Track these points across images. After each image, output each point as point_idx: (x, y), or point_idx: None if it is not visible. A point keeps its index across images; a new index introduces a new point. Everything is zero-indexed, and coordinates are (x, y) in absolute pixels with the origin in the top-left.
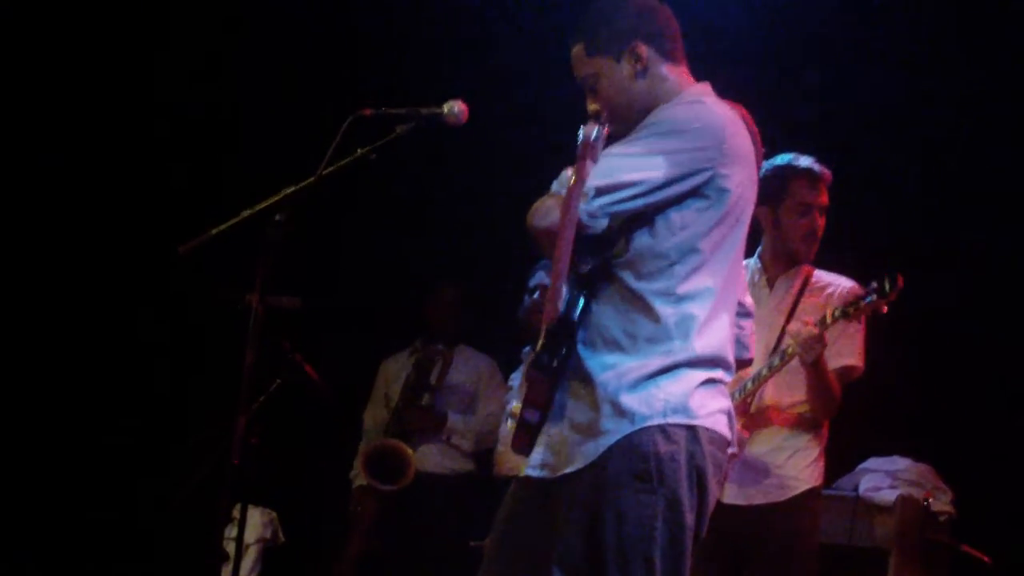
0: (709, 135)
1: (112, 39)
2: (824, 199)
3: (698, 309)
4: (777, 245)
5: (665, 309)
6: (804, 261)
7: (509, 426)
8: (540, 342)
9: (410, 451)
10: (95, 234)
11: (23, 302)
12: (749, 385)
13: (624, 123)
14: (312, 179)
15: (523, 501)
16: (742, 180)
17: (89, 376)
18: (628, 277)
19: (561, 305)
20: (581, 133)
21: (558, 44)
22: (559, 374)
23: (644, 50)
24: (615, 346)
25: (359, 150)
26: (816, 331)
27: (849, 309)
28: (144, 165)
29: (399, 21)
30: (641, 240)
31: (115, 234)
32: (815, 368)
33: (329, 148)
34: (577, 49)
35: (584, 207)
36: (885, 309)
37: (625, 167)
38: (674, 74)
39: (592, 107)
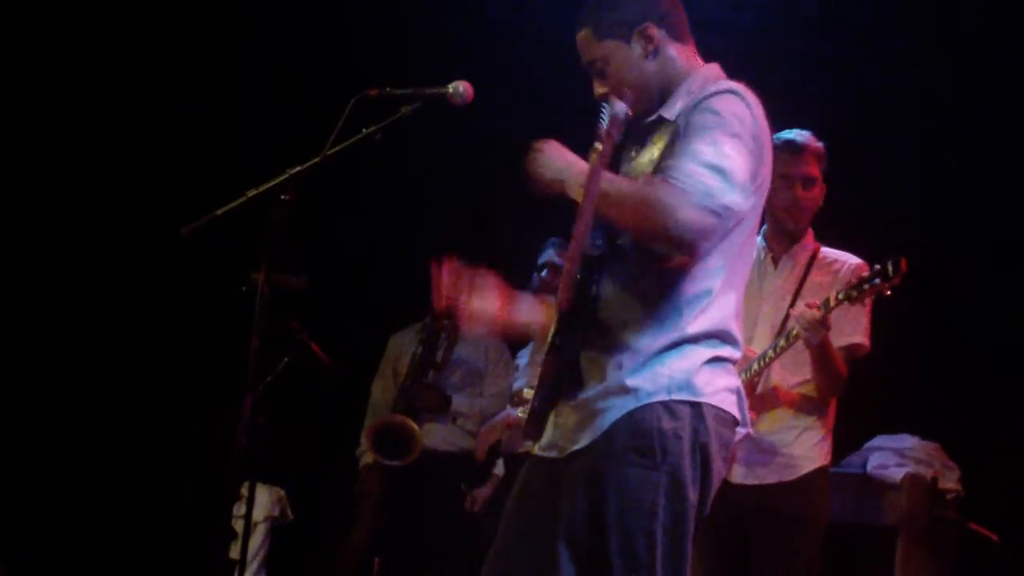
0: (760, 137)
1: (111, 39)
2: (806, 169)
3: (708, 285)
4: (771, 221)
5: (676, 287)
6: (798, 235)
7: (520, 412)
8: (553, 327)
9: (416, 427)
10: (95, 233)
11: (23, 301)
12: (755, 366)
13: (635, 105)
14: (317, 159)
15: (533, 481)
16: (767, 170)
17: (89, 376)
18: (642, 257)
19: (574, 289)
20: (608, 109)
21: (564, 26)
22: (571, 357)
23: (654, 31)
24: (624, 325)
25: (364, 130)
26: (819, 314)
27: (852, 292)
28: (144, 161)
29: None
30: None
31: (115, 232)
32: (820, 349)
33: (334, 129)
34: (584, 33)
35: (745, 202)
36: (889, 292)
37: (743, 167)
38: (683, 54)
39: (600, 91)
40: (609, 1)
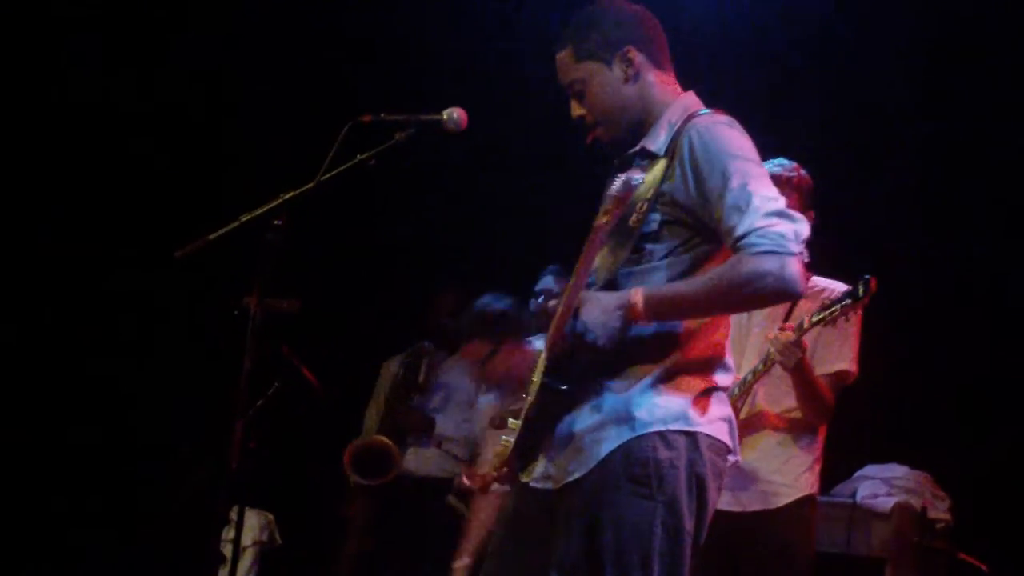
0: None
1: (110, 41)
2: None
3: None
4: None
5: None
6: None
7: (503, 439)
8: (543, 366)
9: (395, 447)
10: (88, 252)
11: (22, 306)
12: (736, 391)
13: (612, 128)
14: (311, 184)
15: (524, 511)
16: None
17: (89, 378)
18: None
19: (567, 329)
20: (623, 177)
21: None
22: (561, 392)
23: (636, 55)
24: (619, 358)
25: (358, 156)
26: (793, 336)
27: (825, 314)
28: (143, 170)
29: (400, 27)
30: (665, 251)
31: (114, 239)
32: (798, 373)
33: (328, 154)
34: (564, 54)
35: (806, 225)
36: (860, 312)
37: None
38: (663, 81)
39: (576, 113)
40: (590, 22)
